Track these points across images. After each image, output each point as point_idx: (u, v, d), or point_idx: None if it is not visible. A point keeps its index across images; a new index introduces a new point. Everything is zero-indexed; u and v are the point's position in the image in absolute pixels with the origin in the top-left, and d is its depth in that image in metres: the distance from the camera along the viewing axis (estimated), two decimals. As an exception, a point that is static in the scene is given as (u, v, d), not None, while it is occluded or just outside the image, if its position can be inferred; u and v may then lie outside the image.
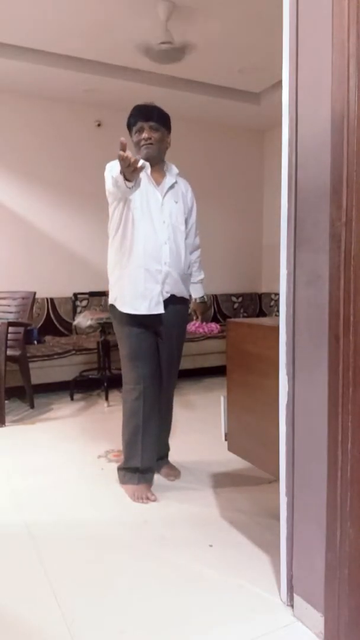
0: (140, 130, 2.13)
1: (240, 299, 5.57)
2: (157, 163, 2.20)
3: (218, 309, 5.43)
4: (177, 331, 2.27)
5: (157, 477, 2.36)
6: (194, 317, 2.55)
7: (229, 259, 5.60)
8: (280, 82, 1.42)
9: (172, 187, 2.22)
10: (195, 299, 2.46)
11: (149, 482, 2.23)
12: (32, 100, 4.53)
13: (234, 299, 5.55)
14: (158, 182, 2.19)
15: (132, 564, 1.70)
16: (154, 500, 2.13)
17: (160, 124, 2.15)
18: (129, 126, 2.19)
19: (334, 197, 1.21)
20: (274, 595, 1.51)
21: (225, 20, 3.40)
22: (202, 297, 2.46)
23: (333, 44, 1.19)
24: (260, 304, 5.70)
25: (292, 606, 1.45)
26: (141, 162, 1.84)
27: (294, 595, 1.44)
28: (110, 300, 2.21)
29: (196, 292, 2.43)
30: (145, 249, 2.10)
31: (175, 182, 2.25)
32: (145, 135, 2.11)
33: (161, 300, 2.13)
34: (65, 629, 1.39)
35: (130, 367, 2.18)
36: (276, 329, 1.47)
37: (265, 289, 5.79)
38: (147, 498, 2.14)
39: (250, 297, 5.66)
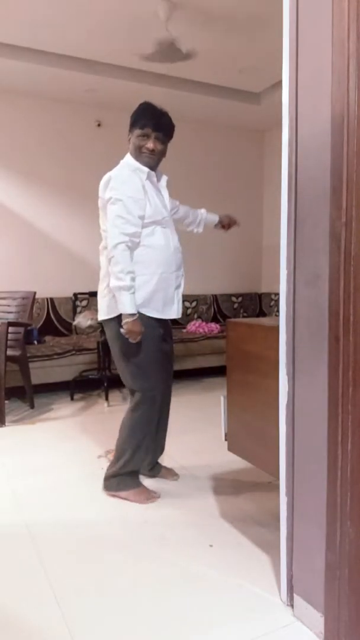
0: (146, 137, 2.10)
1: (240, 299, 5.57)
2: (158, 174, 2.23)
3: (218, 309, 5.43)
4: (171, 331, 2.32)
5: (155, 479, 2.36)
6: (229, 225, 2.63)
7: (229, 259, 5.60)
8: (280, 82, 1.42)
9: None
10: (221, 217, 2.57)
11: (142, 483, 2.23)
12: (32, 100, 4.53)
13: (234, 299, 5.55)
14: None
15: (132, 564, 1.70)
16: (159, 497, 2.16)
17: (167, 137, 2.16)
18: (134, 123, 2.12)
19: (334, 197, 1.22)
20: (274, 595, 1.51)
21: (226, 20, 3.40)
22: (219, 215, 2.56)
23: (333, 44, 1.19)
24: (260, 304, 5.70)
25: (292, 606, 1.45)
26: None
27: (294, 595, 1.44)
28: (117, 312, 2.07)
29: (213, 216, 2.55)
30: (171, 255, 2.12)
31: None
32: (150, 145, 2.09)
33: (181, 303, 2.20)
34: (65, 629, 1.39)
35: (153, 369, 2.13)
36: (276, 329, 1.47)
37: (265, 289, 5.79)
38: (156, 495, 2.17)
39: (250, 297, 5.66)
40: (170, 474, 2.38)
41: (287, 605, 1.46)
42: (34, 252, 4.61)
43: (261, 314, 5.64)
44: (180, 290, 2.20)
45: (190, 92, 4.47)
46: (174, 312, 2.17)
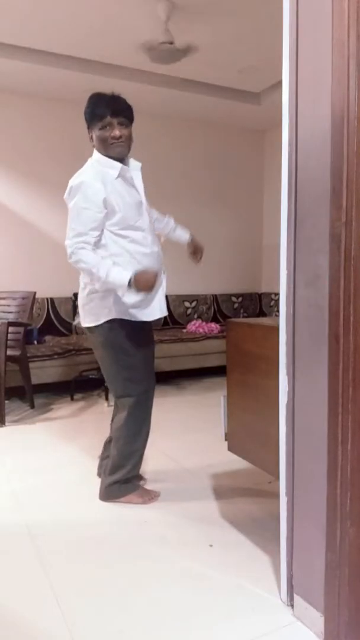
0: (109, 126, 1.99)
1: (240, 299, 5.57)
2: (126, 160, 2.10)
3: (218, 309, 5.42)
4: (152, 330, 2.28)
5: (155, 480, 2.36)
6: (197, 259, 2.36)
7: (229, 259, 5.60)
8: (280, 82, 1.42)
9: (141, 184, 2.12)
10: (190, 239, 2.35)
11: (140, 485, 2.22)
12: (32, 100, 4.53)
13: (234, 299, 5.54)
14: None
15: (132, 564, 1.70)
16: (159, 494, 2.18)
17: (128, 119, 2.02)
18: (91, 118, 2.03)
19: (333, 197, 1.22)
20: (274, 595, 1.51)
21: (225, 20, 3.40)
22: (191, 235, 2.37)
23: (333, 44, 1.19)
24: (260, 304, 5.70)
25: (292, 606, 1.45)
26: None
27: (294, 595, 1.44)
28: (115, 315, 2.01)
29: (184, 234, 2.35)
30: (151, 257, 2.05)
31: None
32: (116, 132, 1.98)
33: (165, 302, 2.14)
34: (65, 629, 1.39)
35: (142, 371, 2.09)
36: (276, 329, 1.47)
37: (265, 289, 5.79)
38: (155, 494, 2.17)
39: (250, 297, 5.66)
40: (143, 479, 2.33)
41: (287, 605, 1.46)
42: (34, 252, 4.60)
43: (261, 314, 5.64)
44: (161, 291, 2.11)
45: (190, 92, 4.47)
46: (156, 312, 2.09)
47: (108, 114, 1.98)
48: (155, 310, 2.09)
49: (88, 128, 2.08)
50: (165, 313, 2.15)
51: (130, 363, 2.06)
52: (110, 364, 2.08)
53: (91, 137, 2.08)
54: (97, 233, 1.95)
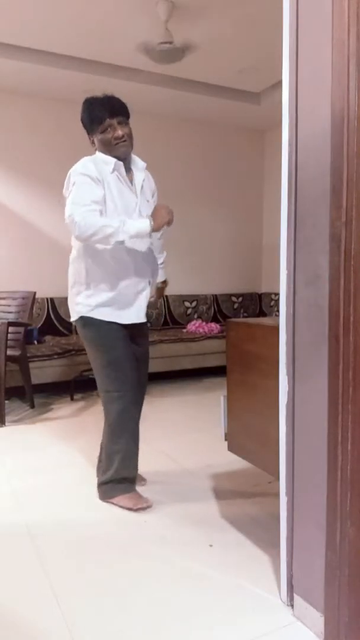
0: (110, 128, 2.00)
1: (240, 299, 5.57)
2: (129, 159, 2.10)
3: (218, 309, 5.43)
4: (147, 340, 2.27)
5: (155, 480, 2.36)
6: (155, 303, 2.41)
7: (229, 259, 5.60)
8: (280, 82, 1.42)
9: (143, 183, 2.11)
10: (159, 284, 2.39)
11: (135, 489, 2.15)
12: (32, 100, 4.53)
13: (234, 299, 5.55)
14: (130, 180, 2.08)
15: (132, 564, 1.70)
16: (151, 504, 2.08)
17: (126, 117, 2.03)
18: (91, 123, 2.03)
19: (333, 197, 1.22)
20: (274, 595, 1.51)
21: (225, 20, 3.40)
22: (165, 279, 2.42)
23: (333, 44, 1.19)
24: (260, 304, 5.70)
25: (292, 606, 1.45)
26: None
27: (294, 595, 1.44)
28: (84, 312, 2.06)
29: (161, 277, 2.38)
30: (131, 257, 2.04)
31: (144, 179, 2.13)
32: (119, 133, 1.99)
33: (144, 307, 2.12)
34: (65, 629, 1.39)
35: (117, 374, 2.07)
36: (276, 329, 1.47)
37: (265, 289, 5.79)
38: (147, 503, 2.08)
39: (250, 297, 5.66)
40: (142, 479, 2.30)
41: (287, 605, 1.46)
42: (34, 252, 4.61)
43: (261, 314, 5.64)
44: (144, 294, 2.11)
45: (190, 92, 4.48)
46: (132, 317, 2.08)
47: (107, 116, 1.98)
48: (131, 315, 2.08)
49: (88, 134, 2.08)
50: (141, 319, 2.13)
51: (107, 361, 2.07)
52: (92, 359, 2.13)
53: (92, 142, 2.09)
54: (98, 207, 1.93)
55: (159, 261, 2.34)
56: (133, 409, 2.12)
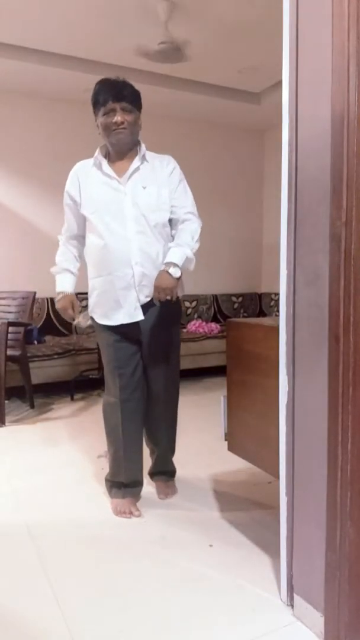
0: (111, 112, 1.90)
1: (240, 299, 5.57)
2: (130, 149, 1.99)
3: (218, 308, 5.42)
4: (164, 336, 2.05)
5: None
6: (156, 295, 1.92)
7: (229, 258, 5.60)
8: (280, 82, 1.42)
9: (135, 171, 1.97)
10: (163, 267, 1.92)
11: (135, 497, 2.10)
12: (32, 100, 4.53)
13: (234, 299, 5.55)
14: (123, 171, 1.97)
15: (132, 564, 1.70)
16: (138, 516, 2.00)
17: (133, 105, 1.93)
18: (95, 105, 1.94)
19: (334, 197, 1.22)
20: (274, 595, 1.51)
21: (225, 20, 3.40)
22: (174, 264, 1.89)
23: (333, 45, 1.19)
24: (260, 304, 5.70)
25: (292, 606, 1.45)
26: (76, 322, 2.12)
27: (294, 595, 1.44)
28: (90, 312, 2.15)
29: (168, 257, 1.92)
30: (110, 253, 1.94)
31: (141, 165, 1.99)
32: (118, 118, 1.89)
33: (139, 305, 1.95)
34: (66, 629, 1.39)
35: (109, 378, 2.05)
36: (276, 329, 1.47)
37: (265, 289, 5.79)
38: (130, 513, 2.01)
39: (250, 297, 5.66)
40: (164, 492, 2.21)
41: (287, 605, 1.46)
42: (34, 252, 4.60)
43: (261, 314, 5.64)
44: (132, 292, 1.94)
45: (190, 92, 4.47)
46: (121, 316, 1.97)
47: (110, 100, 1.89)
48: (120, 315, 1.98)
49: (95, 117, 1.99)
50: (136, 318, 1.96)
51: (104, 364, 2.11)
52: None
53: (97, 125, 1.99)
54: (69, 234, 2.21)
55: (176, 241, 1.99)
56: (130, 418, 2.03)
